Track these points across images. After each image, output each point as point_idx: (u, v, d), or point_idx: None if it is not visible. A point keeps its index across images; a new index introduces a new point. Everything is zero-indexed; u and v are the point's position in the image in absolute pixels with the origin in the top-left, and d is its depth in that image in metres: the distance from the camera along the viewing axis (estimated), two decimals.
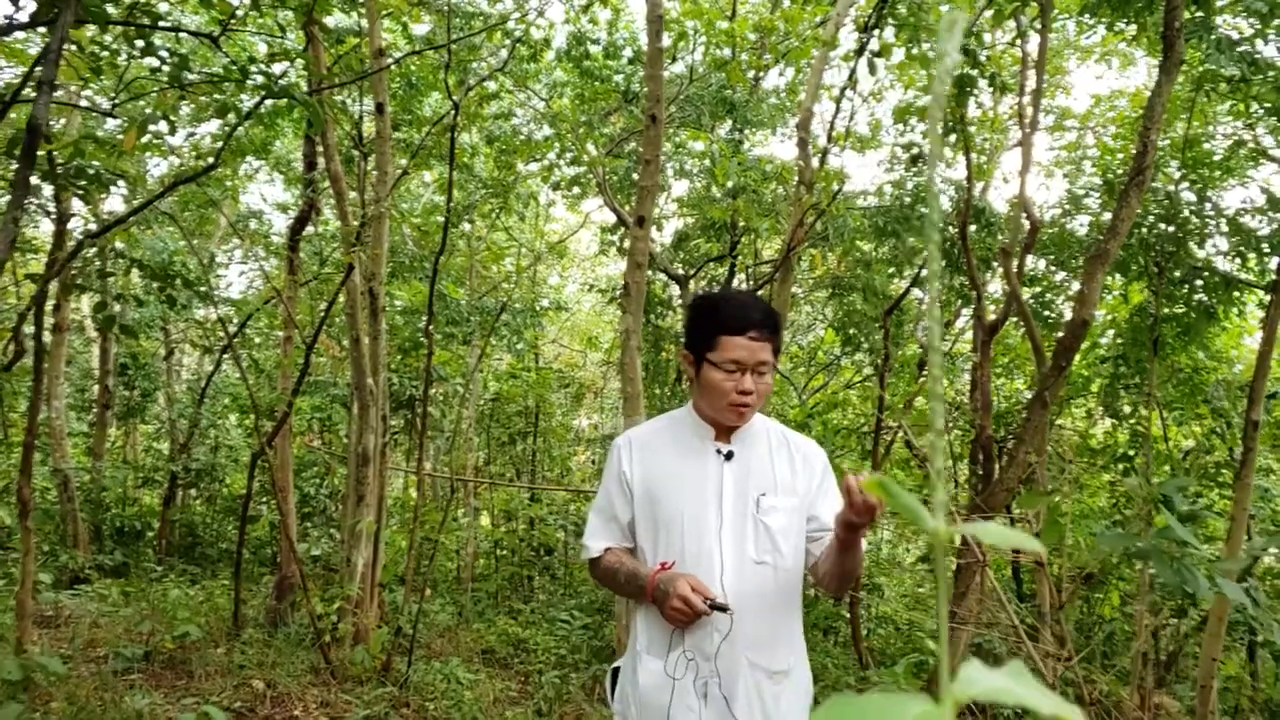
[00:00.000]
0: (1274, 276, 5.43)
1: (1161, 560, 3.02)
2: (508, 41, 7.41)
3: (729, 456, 2.33)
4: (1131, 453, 8.32)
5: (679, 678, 2.23)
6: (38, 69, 3.47)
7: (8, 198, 2.71)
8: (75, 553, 9.03)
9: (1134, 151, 3.70)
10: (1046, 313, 8.84)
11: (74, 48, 4.18)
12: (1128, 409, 9.00)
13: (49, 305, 10.21)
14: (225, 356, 9.66)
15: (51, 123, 6.58)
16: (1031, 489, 4.43)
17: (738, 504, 2.28)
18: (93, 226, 6.89)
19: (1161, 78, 3.56)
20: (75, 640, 6.43)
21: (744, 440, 2.37)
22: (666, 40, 9.68)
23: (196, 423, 10.69)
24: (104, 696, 5.21)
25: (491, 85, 8.92)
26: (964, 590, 3.81)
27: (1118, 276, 8.53)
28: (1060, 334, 4.43)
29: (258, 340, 12.15)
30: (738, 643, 2.20)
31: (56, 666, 4.46)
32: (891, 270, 8.35)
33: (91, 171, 3.82)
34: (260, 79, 3.99)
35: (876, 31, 5.22)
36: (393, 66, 7.52)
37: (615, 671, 2.45)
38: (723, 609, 2.17)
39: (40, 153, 4.71)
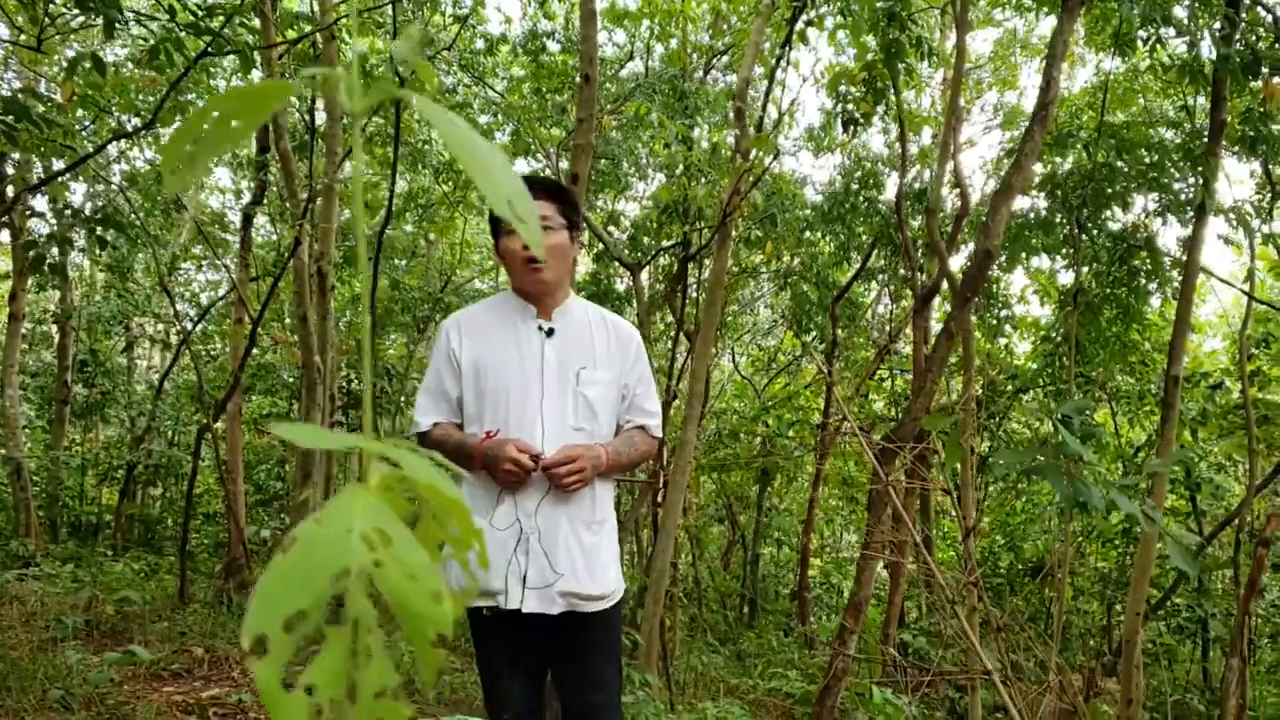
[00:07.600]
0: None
1: (1056, 474, 3.11)
2: (453, 26, 7.52)
3: (550, 333, 2.51)
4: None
5: (504, 528, 2.38)
6: None
7: None
8: (27, 541, 8.95)
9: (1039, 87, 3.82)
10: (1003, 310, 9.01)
11: None
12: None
13: (6, 294, 10.21)
14: (183, 350, 9.67)
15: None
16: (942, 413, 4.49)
17: (560, 377, 2.48)
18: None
19: (1063, 16, 3.70)
20: (16, 613, 6.39)
21: (564, 317, 2.56)
22: (622, 37, 9.87)
23: (153, 416, 10.65)
24: (38, 657, 5.19)
25: (449, 80, 9.04)
26: (878, 518, 3.88)
27: (1061, 278, 8.68)
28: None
29: (219, 343, 12.18)
30: (558, 499, 2.40)
31: None
32: (838, 260, 8.50)
33: (20, 108, 3.88)
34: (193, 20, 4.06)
35: (809, 1, 5.36)
36: (339, 42, 7.60)
37: None
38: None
39: None
